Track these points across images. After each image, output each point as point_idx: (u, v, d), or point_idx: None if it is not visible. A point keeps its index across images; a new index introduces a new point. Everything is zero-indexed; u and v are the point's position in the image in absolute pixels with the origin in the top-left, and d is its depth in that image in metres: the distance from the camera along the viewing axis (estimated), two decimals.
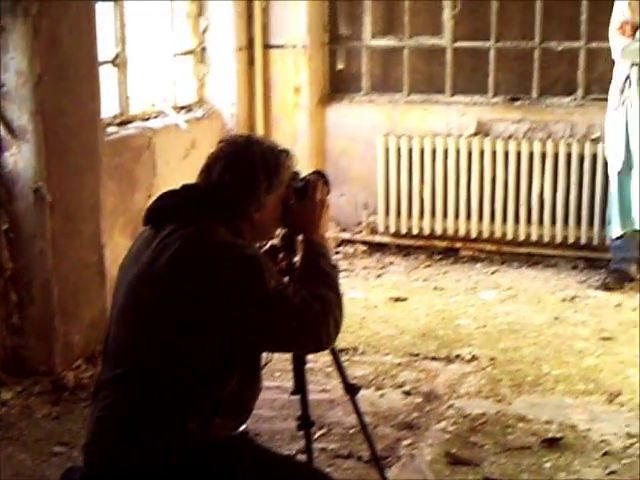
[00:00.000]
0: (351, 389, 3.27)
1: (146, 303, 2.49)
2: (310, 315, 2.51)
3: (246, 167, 2.63)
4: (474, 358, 4.83)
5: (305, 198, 2.77)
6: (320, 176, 2.89)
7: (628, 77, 5.66)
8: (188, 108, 6.42)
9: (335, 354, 3.19)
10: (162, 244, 2.52)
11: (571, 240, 6.39)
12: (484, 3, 6.56)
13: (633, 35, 5.61)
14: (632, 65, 5.65)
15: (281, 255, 2.90)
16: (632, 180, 5.73)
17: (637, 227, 5.78)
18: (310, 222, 2.74)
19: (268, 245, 2.93)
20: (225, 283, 2.44)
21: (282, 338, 2.53)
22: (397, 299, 5.77)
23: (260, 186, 2.62)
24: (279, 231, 2.90)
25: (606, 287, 5.85)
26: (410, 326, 5.32)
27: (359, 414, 3.30)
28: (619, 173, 5.78)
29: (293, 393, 3.03)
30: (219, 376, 2.48)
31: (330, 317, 2.54)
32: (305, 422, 3.02)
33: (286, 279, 2.75)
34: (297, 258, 2.87)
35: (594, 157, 6.22)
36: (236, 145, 2.71)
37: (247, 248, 2.56)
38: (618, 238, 5.86)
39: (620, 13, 5.66)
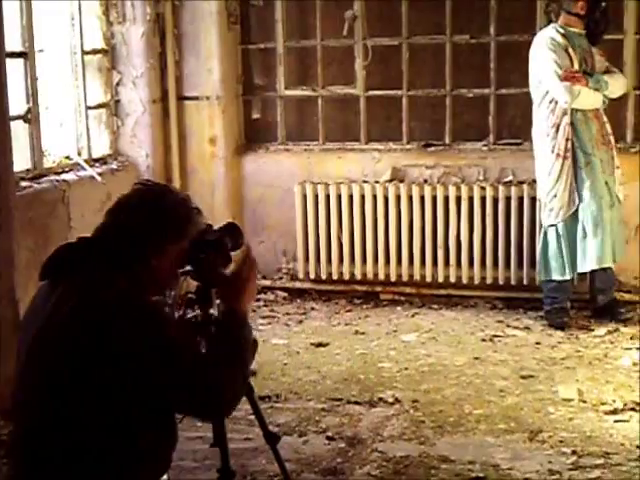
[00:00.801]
0: (271, 438, 3.26)
1: (46, 362, 2.46)
2: (209, 381, 2.45)
3: (157, 212, 2.63)
4: (397, 401, 4.83)
5: (219, 252, 2.77)
6: (233, 227, 2.93)
7: (572, 124, 5.74)
8: (103, 160, 6.40)
9: (254, 403, 3.18)
10: (59, 300, 2.49)
11: (489, 281, 6.48)
12: (395, 53, 6.69)
13: (586, 82, 5.70)
14: (576, 111, 5.73)
15: (197, 308, 2.89)
16: (588, 224, 5.78)
17: (606, 264, 5.84)
18: (236, 293, 2.70)
19: (187, 297, 2.91)
20: (121, 338, 2.41)
21: (177, 397, 2.48)
22: (319, 344, 5.76)
23: (165, 232, 2.62)
24: (194, 283, 2.90)
25: (562, 325, 5.88)
26: (332, 371, 5.31)
27: (280, 463, 3.28)
28: (565, 219, 5.82)
29: (212, 445, 3.01)
30: (130, 431, 2.44)
31: (231, 387, 2.50)
32: (225, 474, 3.00)
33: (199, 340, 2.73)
34: (213, 310, 2.89)
35: (508, 200, 6.33)
36: (152, 188, 2.75)
37: (145, 303, 2.53)
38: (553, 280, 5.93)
39: (564, 63, 5.69)
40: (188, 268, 2.90)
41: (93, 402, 2.40)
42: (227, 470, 2.99)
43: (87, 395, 2.40)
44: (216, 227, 2.92)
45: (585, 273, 6.08)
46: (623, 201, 5.90)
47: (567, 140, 5.74)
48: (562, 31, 5.79)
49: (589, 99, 5.73)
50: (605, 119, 5.84)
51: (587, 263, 5.83)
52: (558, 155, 5.78)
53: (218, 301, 2.89)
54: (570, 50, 5.74)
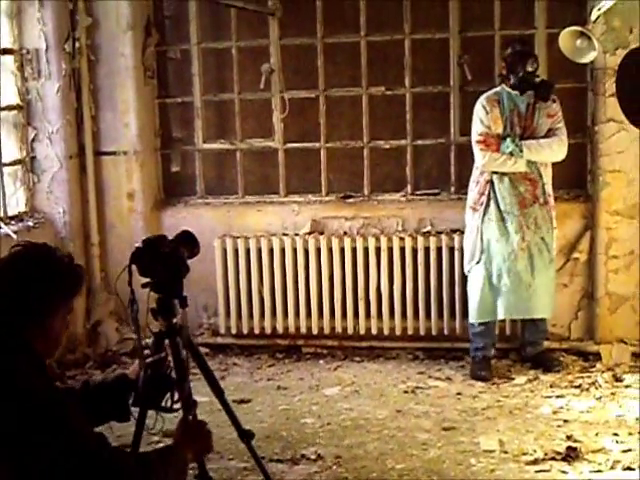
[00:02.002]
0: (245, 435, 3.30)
1: None
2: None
3: (45, 271, 2.63)
4: (319, 457, 4.79)
5: (176, 262, 3.02)
6: (188, 235, 3.25)
7: (491, 181, 5.86)
8: (19, 218, 6.32)
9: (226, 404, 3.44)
10: None
11: (410, 332, 6.51)
12: (312, 105, 6.75)
13: (497, 149, 5.81)
14: (494, 172, 5.86)
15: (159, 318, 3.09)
16: (488, 274, 5.91)
17: (500, 317, 5.95)
18: (187, 440, 2.87)
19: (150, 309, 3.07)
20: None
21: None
22: (241, 401, 5.69)
23: (56, 290, 2.63)
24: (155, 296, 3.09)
25: (483, 379, 5.91)
26: (254, 428, 5.08)
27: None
28: (471, 269, 5.99)
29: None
30: None
31: None
32: None
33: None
34: (176, 319, 3.10)
35: (427, 250, 6.39)
36: (34, 249, 2.72)
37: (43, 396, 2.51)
38: (480, 325, 5.99)
39: (484, 126, 5.84)
40: (148, 280, 3.09)
41: None
42: None
43: None
44: (171, 237, 3.11)
45: (516, 322, 6.19)
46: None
47: (481, 195, 5.89)
48: (499, 93, 5.92)
49: (499, 163, 5.81)
50: (545, 180, 5.89)
51: (491, 314, 5.94)
52: (471, 207, 5.96)
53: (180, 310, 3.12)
54: (497, 113, 5.85)
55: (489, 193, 5.86)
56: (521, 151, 5.78)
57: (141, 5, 6.78)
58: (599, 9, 5.14)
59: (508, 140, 5.80)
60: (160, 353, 3.09)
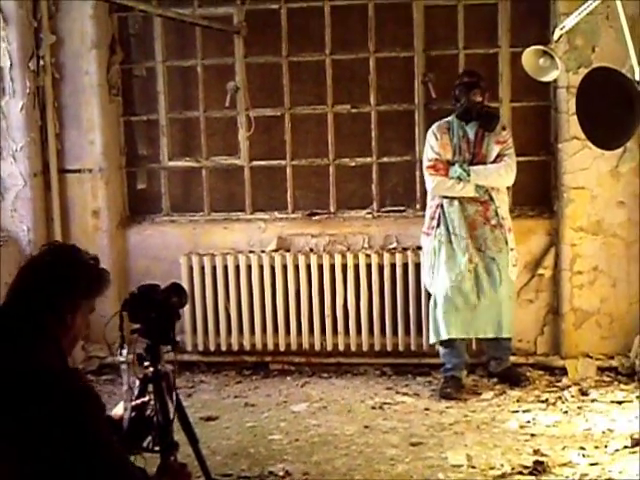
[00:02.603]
0: None
1: None
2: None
3: (68, 268, 2.72)
4: (287, 474, 4.77)
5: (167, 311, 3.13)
6: (178, 287, 3.29)
7: (441, 205, 5.94)
8: None
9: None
10: None
11: (377, 348, 6.52)
12: (278, 123, 6.76)
13: (446, 173, 5.89)
14: (444, 196, 5.93)
15: (147, 363, 3.19)
16: (439, 296, 5.96)
17: (443, 337, 5.96)
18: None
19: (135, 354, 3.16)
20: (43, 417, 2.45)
21: None
22: (208, 418, 5.67)
23: (78, 288, 2.72)
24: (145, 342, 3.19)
25: (448, 396, 5.91)
26: (221, 446, 5.23)
27: None
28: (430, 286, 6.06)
29: None
30: None
31: None
32: None
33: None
34: (161, 367, 3.20)
35: (393, 266, 6.41)
36: (60, 247, 2.92)
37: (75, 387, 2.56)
38: (446, 345, 6.02)
39: (434, 152, 5.92)
40: (138, 326, 3.21)
41: None
42: None
43: None
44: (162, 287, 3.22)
45: (480, 339, 6.21)
46: (514, 280, 6.06)
47: (432, 219, 5.99)
48: (450, 121, 6.00)
49: (447, 187, 5.89)
50: (497, 204, 5.93)
51: (437, 333, 5.99)
52: (424, 232, 6.06)
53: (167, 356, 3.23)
54: (446, 140, 5.94)
55: (439, 216, 5.94)
56: (469, 175, 5.86)
57: (106, 23, 6.78)
58: (562, 28, 5.19)
59: (456, 165, 5.90)
60: (144, 397, 3.20)
